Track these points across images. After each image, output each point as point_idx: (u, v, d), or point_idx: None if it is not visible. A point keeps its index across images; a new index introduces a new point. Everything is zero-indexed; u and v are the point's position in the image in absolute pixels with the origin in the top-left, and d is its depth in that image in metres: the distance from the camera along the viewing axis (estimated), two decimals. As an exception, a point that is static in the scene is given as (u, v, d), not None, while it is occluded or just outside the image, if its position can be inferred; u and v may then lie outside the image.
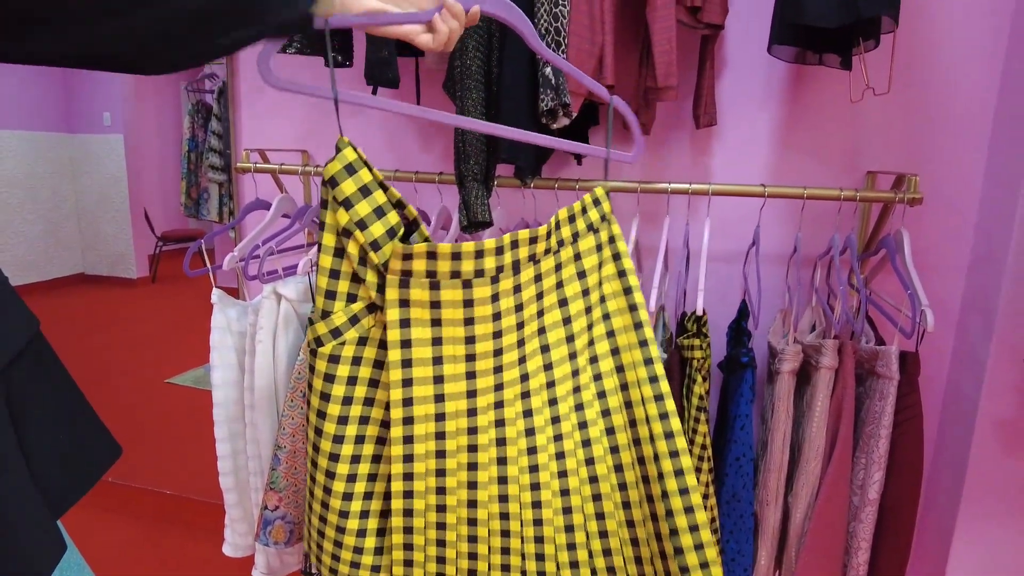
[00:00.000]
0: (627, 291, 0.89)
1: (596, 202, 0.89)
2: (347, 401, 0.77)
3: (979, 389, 1.21)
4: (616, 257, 0.90)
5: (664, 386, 0.85)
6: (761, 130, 1.34)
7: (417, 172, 1.29)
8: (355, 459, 0.79)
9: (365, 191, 0.72)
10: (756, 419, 1.25)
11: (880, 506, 1.05)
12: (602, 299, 0.89)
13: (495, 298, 0.76)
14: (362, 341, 0.77)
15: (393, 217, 0.74)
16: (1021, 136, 1.13)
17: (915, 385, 1.01)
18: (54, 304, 4.64)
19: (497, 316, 0.77)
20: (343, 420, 0.77)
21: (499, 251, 0.75)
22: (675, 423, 0.84)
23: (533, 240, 0.79)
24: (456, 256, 0.73)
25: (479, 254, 0.74)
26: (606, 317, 0.89)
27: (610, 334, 0.89)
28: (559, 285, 0.85)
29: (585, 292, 0.87)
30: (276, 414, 1.29)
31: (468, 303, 0.75)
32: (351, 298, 0.76)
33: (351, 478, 0.78)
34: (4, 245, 4.84)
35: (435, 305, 0.75)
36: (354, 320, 0.76)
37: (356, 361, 0.77)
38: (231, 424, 1.37)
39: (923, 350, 1.04)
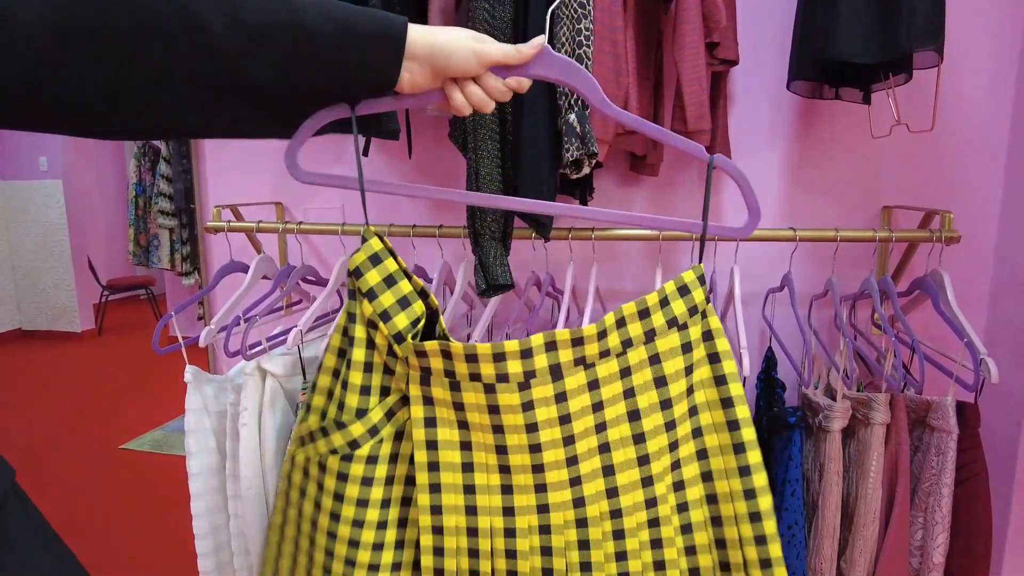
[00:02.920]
0: (726, 403, 0.72)
1: (684, 291, 0.72)
2: (386, 504, 0.72)
3: (1018, 427, 1.16)
4: (714, 359, 0.73)
5: (769, 526, 0.71)
6: (772, 167, 1.28)
7: (415, 226, 1.17)
8: (395, 567, 0.73)
9: (390, 281, 0.70)
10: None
11: (946, 571, 0.97)
12: (692, 411, 0.73)
13: (527, 407, 0.67)
14: (399, 435, 0.72)
15: (419, 307, 0.71)
16: (1045, 167, 1.10)
17: (977, 439, 0.94)
18: (-11, 364, 4.28)
19: (533, 427, 0.67)
20: (382, 525, 0.71)
21: (525, 354, 0.66)
22: (775, 550, 0.72)
23: (578, 342, 0.68)
24: (472, 358, 0.66)
25: (499, 357, 0.66)
26: (697, 434, 0.74)
27: (701, 455, 0.73)
28: (628, 394, 0.71)
29: (666, 403, 0.71)
30: (266, 505, 1.15)
31: (494, 409, 0.67)
32: (385, 391, 0.72)
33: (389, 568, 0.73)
34: (-70, 303, 4.48)
35: (458, 407, 0.69)
36: (390, 415, 0.72)
37: (394, 459, 0.72)
38: (213, 516, 1.21)
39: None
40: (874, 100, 1.09)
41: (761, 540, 0.71)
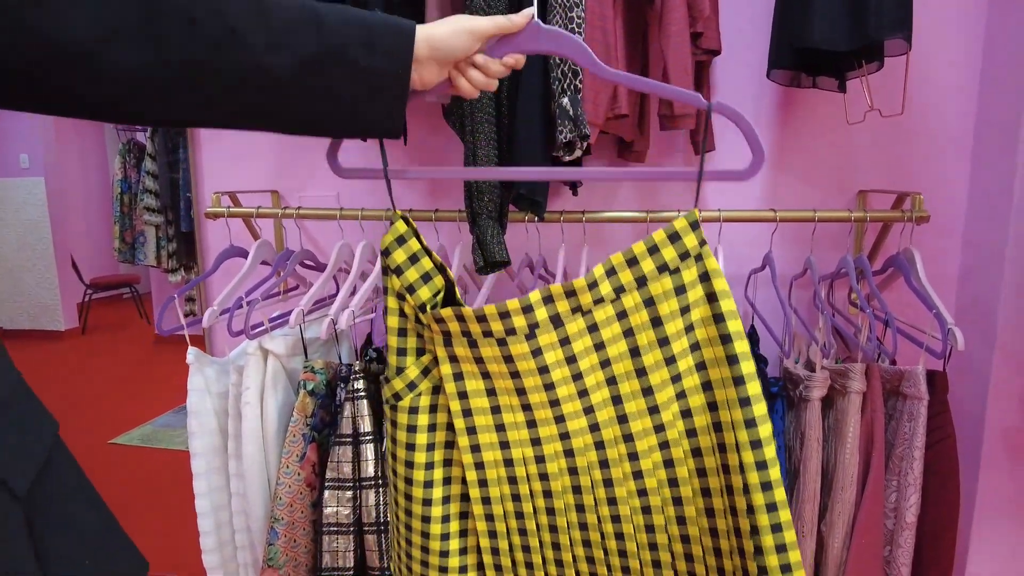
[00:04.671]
0: (725, 339, 0.76)
1: (674, 237, 0.75)
2: (431, 447, 0.82)
3: (984, 400, 1.23)
4: (712, 298, 0.77)
5: (769, 451, 0.76)
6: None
7: (411, 210, 1.21)
8: (446, 500, 0.83)
9: (414, 259, 0.78)
10: (774, 446, 1.22)
11: (918, 530, 1.03)
12: (694, 347, 0.78)
13: (536, 353, 0.76)
14: (436, 390, 0.82)
15: (439, 280, 0.80)
16: (1004, 149, 1.17)
17: (946, 404, 1.00)
18: (-30, 364, 4.23)
19: (544, 369, 0.76)
20: (430, 466, 0.82)
21: (527, 310, 0.75)
22: (779, 495, 0.77)
23: (571, 293, 0.75)
24: (482, 318, 0.75)
25: (504, 315, 0.75)
26: (700, 367, 0.79)
27: (706, 386, 0.79)
28: (627, 334, 0.78)
29: (664, 341, 0.77)
30: (268, 483, 1.18)
31: (508, 359, 0.76)
32: (420, 352, 0.82)
33: (445, 519, 0.83)
34: (-91, 303, 4.42)
35: (479, 361, 0.78)
36: (426, 371, 0.82)
37: (433, 409, 0.82)
38: (214, 495, 1.24)
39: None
40: (849, 88, 1.15)
41: (762, 465, 0.77)
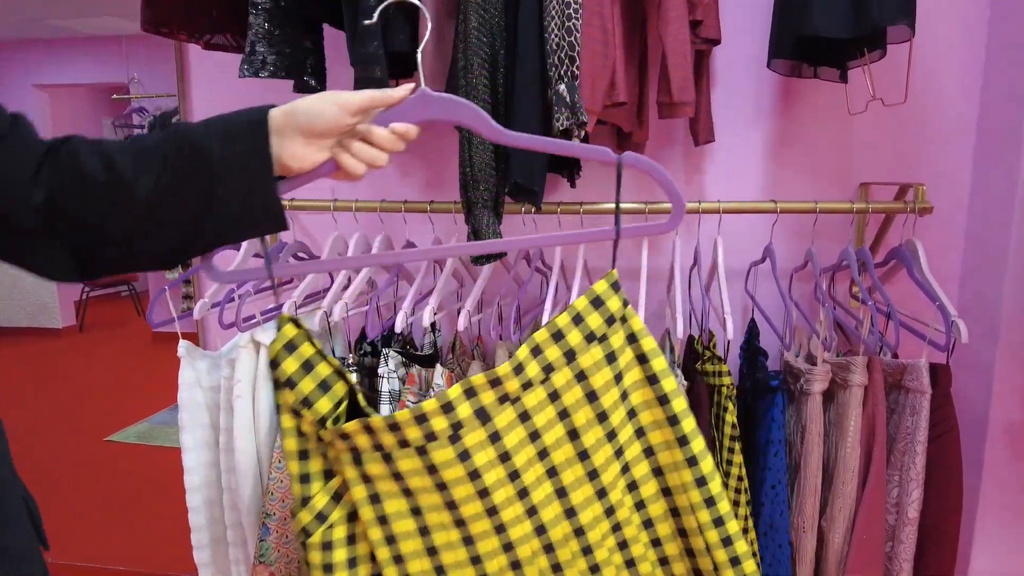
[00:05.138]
0: (663, 400, 0.73)
1: (597, 303, 0.71)
2: None
3: (988, 395, 1.21)
4: (642, 360, 0.73)
5: (723, 507, 0.74)
6: (753, 146, 1.32)
7: (406, 201, 1.19)
8: None
9: (308, 366, 0.69)
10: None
11: (920, 525, 1.01)
12: (631, 414, 0.74)
13: (464, 457, 0.68)
14: (351, 517, 0.72)
15: (340, 388, 0.71)
16: (1008, 139, 1.15)
17: (948, 398, 0.99)
18: (-33, 362, 4.22)
19: (475, 475, 0.68)
20: None
21: (446, 409, 0.67)
22: (741, 547, 0.75)
23: (495, 382, 0.68)
24: (394, 427, 0.66)
25: (420, 419, 0.66)
26: (640, 434, 0.75)
27: (648, 452, 0.75)
28: (563, 415, 0.71)
29: (602, 416, 0.71)
30: (260, 478, 1.16)
31: (431, 469, 0.68)
32: (327, 475, 0.72)
33: None
34: (-95, 300, 4.40)
35: (397, 477, 0.69)
36: (337, 498, 0.72)
37: (351, 540, 0.72)
38: (206, 491, 1.22)
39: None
40: (851, 78, 1.13)
41: (719, 522, 0.74)
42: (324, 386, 0.69)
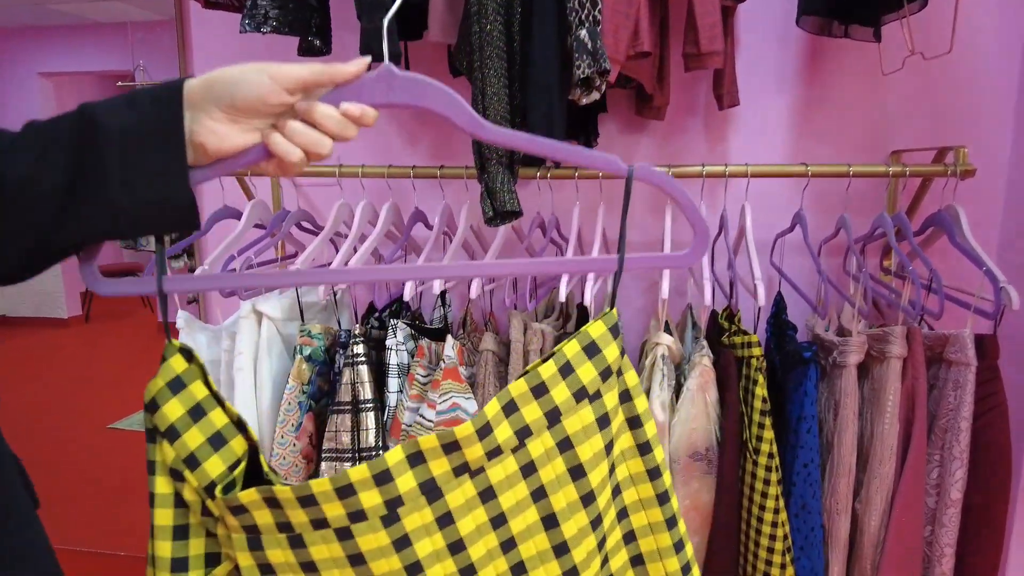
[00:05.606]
0: (653, 473, 0.60)
1: (591, 350, 0.56)
2: None
3: (1030, 372, 1.14)
4: (634, 423, 0.59)
5: None
6: (779, 111, 1.26)
7: (414, 167, 1.14)
8: None
9: (197, 413, 0.52)
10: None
11: (964, 506, 0.95)
12: (615, 491, 0.60)
13: (402, 543, 0.51)
14: None
15: (238, 444, 0.54)
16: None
17: (996, 371, 0.92)
18: (-28, 351, 4.20)
19: (416, 568, 0.52)
20: None
21: (381, 479, 0.50)
22: None
23: (451, 447, 0.52)
24: (307, 501, 0.50)
25: (345, 492, 0.49)
26: (622, 515, 0.61)
27: (628, 537, 0.61)
28: (538, 495, 0.55)
29: (588, 497, 0.56)
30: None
31: (357, 560, 0.51)
32: (212, 559, 0.55)
33: None
34: (-89, 289, 4.39)
35: (310, 568, 0.52)
36: None
37: None
38: (205, 470, 1.17)
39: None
40: (885, 36, 1.06)
41: None
42: (217, 440, 0.53)
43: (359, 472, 0.49)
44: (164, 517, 0.53)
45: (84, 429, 2.87)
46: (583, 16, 0.84)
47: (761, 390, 0.94)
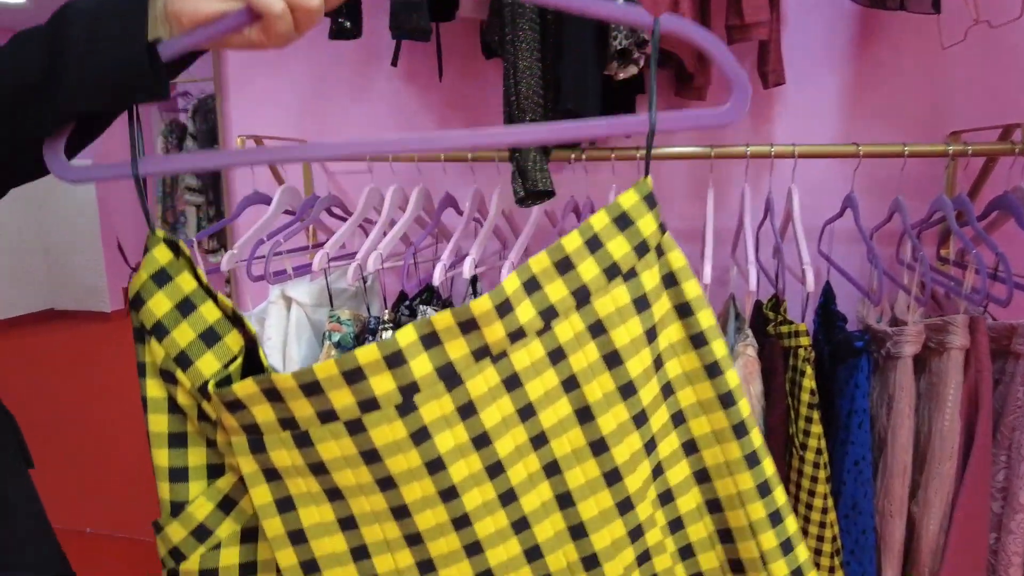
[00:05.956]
0: (712, 370, 0.51)
1: (623, 222, 0.49)
2: None
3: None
4: (683, 311, 0.51)
5: (792, 525, 0.52)
6: (828, 90, 1.19)
7: (445, 150, 1.11)
8: None
9: (186, 307, 0.47)
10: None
11: (1033, 512, 0.87)
12: (666, 390, 0.52)
13: (421, 436, 0.45)
14: (249, 535, 0.49)
15: (233, 340, 0.49)
16: None
17: (1071, 363, 0.85)
18: (23, 342, 4.34)
19: (437, 464, 0.46)
20: None
21: (393, 361, 0.44)
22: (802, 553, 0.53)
23: (468, 326, 0.46)
24: (311, 388, 0.44)
25: (353, 376, 0.44)
26: (678, 420, 0.52)
27: (689, 447, 0.52)
28: (570, 386, 0.48)
29: (627, 388, 0.49)
30: (289, 442, 1.10)
31: (371, 455, 0.45)
32: (215, 470, 0.50)
33: None
34: (-34, 283, 4.57)
35: (319, 469, 0.47)
36: (227, 505, 0.49)
37: (247, 570, 0.49)
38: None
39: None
40: (944, 6, 0.99)
41: (786, 547, 0.52)
42: (210, 336, 0.48)
43: (368, 353, 0.44)
44: (158, 423, 0.49)
45: (127, 419, 2.94)
46: (621, -16, 0.79)
47: (809, 382, 0.89)
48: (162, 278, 0.47)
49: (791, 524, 0.52)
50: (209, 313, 0.49)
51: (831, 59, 1.18)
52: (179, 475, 0.49)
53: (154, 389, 0.49)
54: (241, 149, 0.51)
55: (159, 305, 0.47)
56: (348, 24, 1.11)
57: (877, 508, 0.94)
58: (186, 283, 0.48)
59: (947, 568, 0.89)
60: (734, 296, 1.15)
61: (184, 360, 0.47)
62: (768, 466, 0.51)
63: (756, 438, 0.51)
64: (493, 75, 1.26)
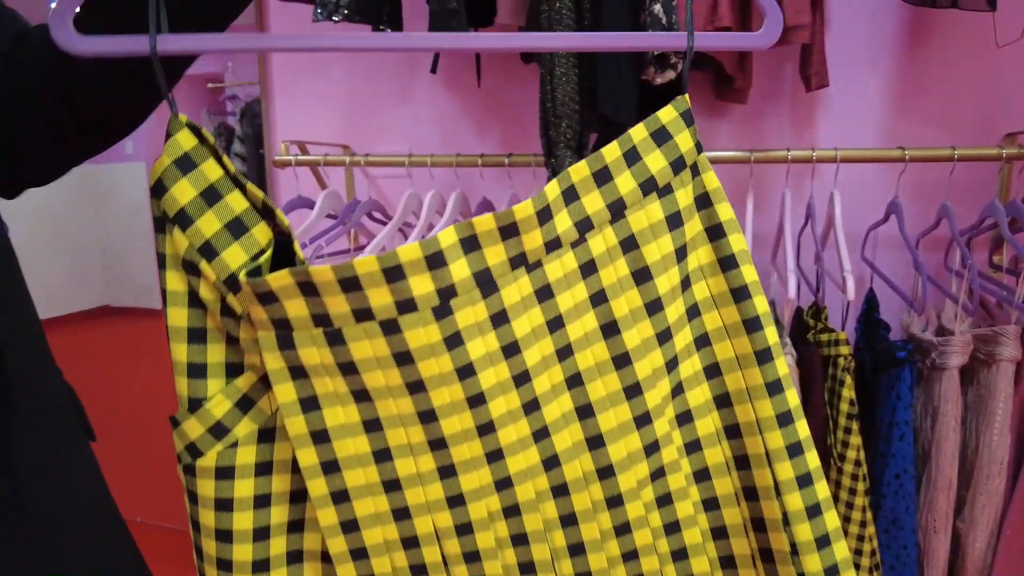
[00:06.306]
0: (739, 294, 0.50)
1: (661, 136, 0.48)
2: (261, 535, 0.48)
3: None
4: (716, 233, 0.50)
5: (813, 459, 0.51)
6: (874, 92, 1.16)
7: (483, 155, 1.12)
8: None
9: (211, 196, 0.45)
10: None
11: (1088, 532, 0.84)
12: (692, 311, 0.52)
13: (454, 341, 0.45)
14: (266, 435, 0.48)
15: (261, 232, 0.46)
16: None
17: None
18: (80, 338, 4.55)
19: (467, 370, 0.45)
20: (261, 566, 0.48)
21: (434, 262, 0.43)
22: (832, 522, 0.51)
23: (509, 231, 0.45)
24: (350, 284, 0.42)
25: (394, 274, 0.42)
26: (702, 343, 0.52)
27: (711, 371, 0.52)
28: (598, 300, 0.48)
29: (654, 305, 0.48)
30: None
31: (403, 357, 0.44)
32: (233, 369, 0.48)
33: None
34: (27, 279, 4.79)
35: (348, 369, 0.45)
36: (245, 404, 0.48)
37: (263, 469, 0.48)
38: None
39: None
40: (1000, 3, 0.96)
41: (805, 480, 0.50)
42: (236, 227, 0.45)
43: (410, 251, 0.42)
44: (178, 317, 0.47)
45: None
46: (658, -10, 0.79)
47: (848, 391, 0.87)
48: (186, 164, 0.44)
49: (813, 460, 0.51)
50: (236, 203, 0.45)
51: (877, 60, 1.15)
52: (198, 371, 0.48)
53: (175, 282, 0.46)
54: (250, 35, 0.50)
55: (183, 192, 0.44)
56: (389, 31, 1.14)
57: (920, 523, 0.91)
58: (211, 171, 0.45)
59: (994, 587, 0.86)
60: (774, 303, 1.13)
61: (209, 251, 0.44)
62: (791, 397, 0.51)
63: (781, 365, 0.50)
64: (530, 79, 1.26)
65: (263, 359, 0.45)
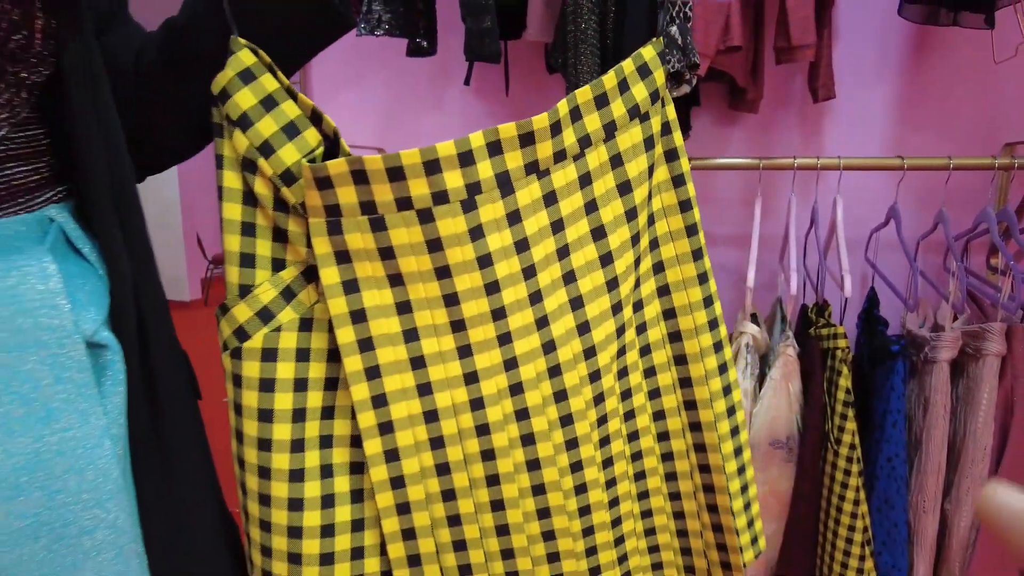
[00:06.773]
0: (684, 206, 0.62)
1: (643, 71, 0.58)
2: (299, 416, 0.53)
3: None
4: (671, 156, 0.61)
5: (723, 331, 0.66)
6: (878, 104, 1.23)
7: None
8: (327, 501, 0.55)
9: (269, 103, 0.50)
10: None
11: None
12: (650, 219, 0.62)
13: (476, 233, 0.51)
14: (305, 324, 0.54)
15: (312, 136, 0.52)
16: None
17: (1106, 372, 0.88)
18: (111, 327, 4.71)
19: (486, 260, 0.52)
20: (298, 446, 0.53)
21: (465, 160, 0.50)
22: (736, 396, 0.67)
23: (527, 139, 0.52)
24: (396, 173, 0.49)
25: (432, 167, 0.49)
26: (654, 245, 0.63)
27: (658, 267, 0.64)
28: (591, 208, 0.57)
29: (631, 213, 0.58)
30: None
31: (435, 245, 0.51)
32: (278, 264, 0.53)
33: (326, 530, 0.54)
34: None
35: (387, 254, 0.51)
36: (288, 295, 0.53)
37: (302, 355, 0.53)
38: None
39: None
40: (998, 21, 1.03)
41: (719, 347, 0.64)
42: (291, 130, 0.51)
43: (446, 148, 0.49)
44: (232, 211, 0.52)
45: (208, 398, 3.17)
46: (674, 13, 0.88)
47: (845, 381, 0.95)
48: (247, 76, 0.50)
49: (723, 331, 0.65)
50: (290, 109, 0.51)
51: (882, 73, 1.22)
52: (248, 260, 0.53)
53: (231, 180, 0.52)
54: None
55: (245, 99, 0.50)
56: (425, 44, 1.23)
57: (911, 504, 0.99)
58: (269, 82, 0.51)
59: (976, 563, 0.93)
60: (781, 299, 1.21)
61: (267, 149, 0.50)
62: (712, 284, 0.65)
63: (707, 262, 0.64)
64: (556, 90, 1.35)
65: (312, 245, 0.52)
